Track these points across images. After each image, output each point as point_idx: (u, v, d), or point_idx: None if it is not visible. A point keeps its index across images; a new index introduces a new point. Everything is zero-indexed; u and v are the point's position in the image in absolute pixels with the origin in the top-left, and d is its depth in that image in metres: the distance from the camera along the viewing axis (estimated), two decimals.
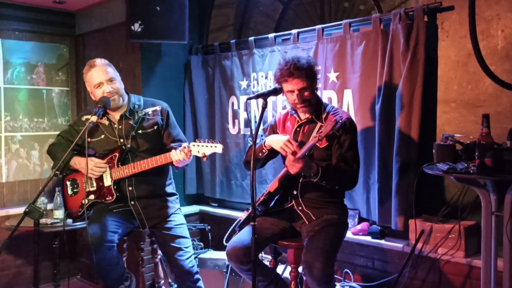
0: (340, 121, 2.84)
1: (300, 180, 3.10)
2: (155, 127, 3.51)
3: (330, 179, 2.94)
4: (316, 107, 3.11)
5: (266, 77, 4.46)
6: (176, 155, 3.21)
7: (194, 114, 5.08)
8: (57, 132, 4.96)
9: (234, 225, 3.28)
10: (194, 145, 3.17)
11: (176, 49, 4.97)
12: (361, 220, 3.89)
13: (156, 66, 4.83)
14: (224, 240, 3.21)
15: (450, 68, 3.39)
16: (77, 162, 3.48)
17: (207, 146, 3.15)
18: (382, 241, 3.68)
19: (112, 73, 3.42)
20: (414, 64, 3.42)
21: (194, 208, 5.19)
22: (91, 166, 3.42)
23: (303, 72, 2.97)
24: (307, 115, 3.11)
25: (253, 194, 2.68)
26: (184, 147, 3.19)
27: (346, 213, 3.21)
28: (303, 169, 2.85)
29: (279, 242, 3.15)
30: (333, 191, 3.08)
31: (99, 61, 3.41)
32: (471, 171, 2.68)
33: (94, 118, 3.29)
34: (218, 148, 3.16)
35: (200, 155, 3.16)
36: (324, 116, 3.11)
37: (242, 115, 4.72)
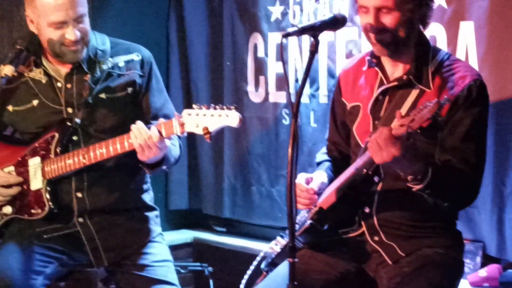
0: (447, 101, 2.37)
1: (379, 188, 2.59)
2: (129, 90, 3.10)
3: (439, 189, 2.44)
4: (418, 54, 2.61)
5: (316, 0, 3.93)
6: (153, 133, 2.72)
7: (186, 69, 4.65)
8: None
9: (256, 263, 2.90)
10: (189, 114, 2.72)
11: None
12: (487, 259, 3.39)
13: None
14: None
15: None
16: None
17: (212, 115, 2.71)
18: None
19: (82, 4, 3.03)
20: None
21: (184, 235, 4.70)
22: None
23: None
24: (400, 72, 2.63)
25: (292, 208, 2.21)
26: (168, 121, 2.78)
27: (461, 247, 2.70)
28: (398, 161, 2.31)
29: None
30: (435, 208, 2.54)
31: None
32: None
33: (8, 70, 2.90)
34: (231, 117, 2.70)
35: (200, 131, 2.73)
36: (431, 71, 2.58)
37: (273, 69, 4.20)
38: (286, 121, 4.19)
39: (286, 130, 4.16)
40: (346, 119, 2.83)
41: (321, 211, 2.63)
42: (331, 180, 2.75)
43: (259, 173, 4.32)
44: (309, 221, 2.62)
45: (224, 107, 2.74)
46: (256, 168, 4.33)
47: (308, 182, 2.62)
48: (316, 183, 2.67)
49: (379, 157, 2.33)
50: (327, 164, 2.89)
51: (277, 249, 2.76)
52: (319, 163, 2.94)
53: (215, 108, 2.74)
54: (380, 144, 2.30)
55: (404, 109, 2.53)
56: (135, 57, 3.14)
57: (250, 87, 4.35)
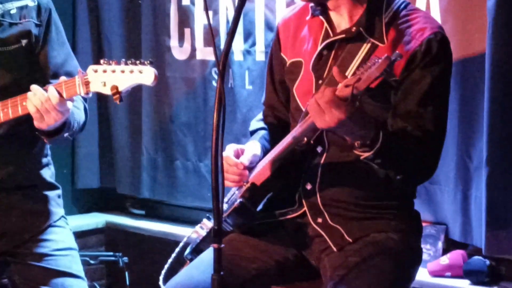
0: (399, 57, 2.10)
1: (322, 160, 2.42)
2: (24, 42, 2.90)
3: (391, 159, 2.26)
4: (370, 2, 2.39)
5: None
6: (52, 94, 2.50)
7: (96, 19, 4.44)
8: None
9: (178, 251, 2.69)
10: (95, 71, 2.55)
11: None
12: (450, 244, 3.35)
13: None
14: (161, 281, 2.61)
15: None
16: None
17: (122, 72, 2.53)
18: None
19: None
20: None
21: (95, 219, 4.51)
22: None
23: None
24: (349, 23, 2.43)
25: (217, 185, 2.00)
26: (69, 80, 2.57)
27: (419, 230, 2.55)
28: (344, 125, 2.12)
29: (272, 287, 2.57)
30: (387, 184, 2.36)
31: None
32: None
33: None
34: (145, 74, 2.51)
35: (108, 91, 2.55)
36: (385, 22, 2.37)
37: (201, 20, 4.03)
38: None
39: None
40: (286, 78, 2.61)
41: (254, 187, 2.45)
42: (266, 152, 2.56)
43: (184, 145, 4.17)
44: (239, 200, 2.42)
45: (137, 62, 2.55)
46: (181, 139, 4.18)
47: (238, 155, 2.44)
48: (247, 156, 2.48)
49: (321, 121, 2.15)
50: (263, 132, 2.69)
51: (203, 233, 2.57)
52: (253, 132, 2.74)
53: (126, 64, 2.53)
54: (321, 106, 2.12)
55: (352, 67, 2.35)
56: (30, 2, 2.93)
57: (173, 42, 4.17)
